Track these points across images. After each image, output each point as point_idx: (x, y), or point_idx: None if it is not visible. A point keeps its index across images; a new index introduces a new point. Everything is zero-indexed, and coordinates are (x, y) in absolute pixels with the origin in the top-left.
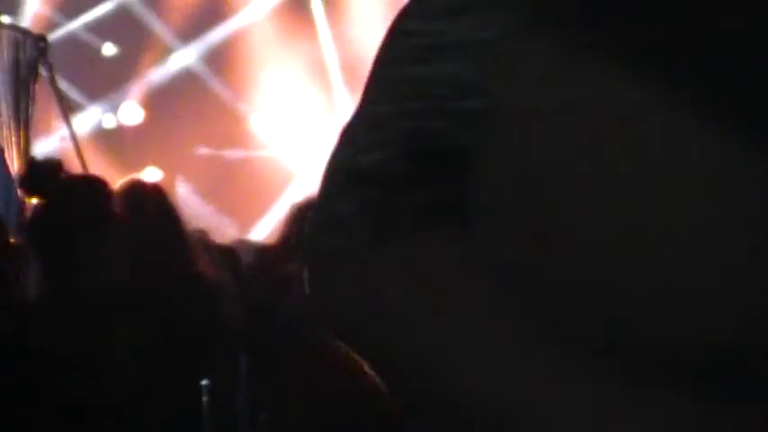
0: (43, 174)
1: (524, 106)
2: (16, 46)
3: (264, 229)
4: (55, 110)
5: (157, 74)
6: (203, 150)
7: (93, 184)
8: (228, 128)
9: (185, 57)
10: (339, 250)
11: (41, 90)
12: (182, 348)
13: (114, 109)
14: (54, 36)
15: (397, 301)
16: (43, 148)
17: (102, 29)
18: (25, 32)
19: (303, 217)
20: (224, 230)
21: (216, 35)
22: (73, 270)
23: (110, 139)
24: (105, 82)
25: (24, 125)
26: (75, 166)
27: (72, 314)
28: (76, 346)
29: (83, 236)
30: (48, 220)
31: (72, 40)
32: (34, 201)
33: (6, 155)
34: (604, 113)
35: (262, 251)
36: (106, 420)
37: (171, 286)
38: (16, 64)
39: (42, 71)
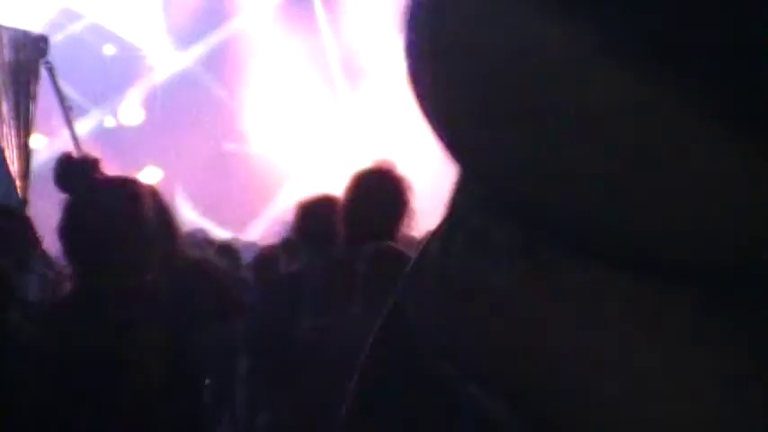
0: (78, 171)
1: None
2: (16, 46)
3: (260, 229)
4: (55, 110)
5: (158, 74)
6: (205, 148)
7: (127, 186)
8: (229, 127)
9: (186, 57)
10: (487, 270)
11: (41, 90)
12: (189, 346)
13: (114, 109)
14: (55, 37)
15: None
16: (43, 147)
17: (103, 30)
18: (25, 33)
19: (309, 215)
20: (218, 231)
21: (216, 35)
22: (100, 270)
23: (110, 139)
24: (105, 82)
25: (24, 125)
26: None
27: (96, 315)
28: (98, 347)
29: (113, 237)
30: (79, 219)
31: (73, 41)
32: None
33: (6, 154)
34: (609, 113)
35: (264, 251)
36: (121, 421)
37: (175, 282)
38: (16, 64)
39: (43, 71)
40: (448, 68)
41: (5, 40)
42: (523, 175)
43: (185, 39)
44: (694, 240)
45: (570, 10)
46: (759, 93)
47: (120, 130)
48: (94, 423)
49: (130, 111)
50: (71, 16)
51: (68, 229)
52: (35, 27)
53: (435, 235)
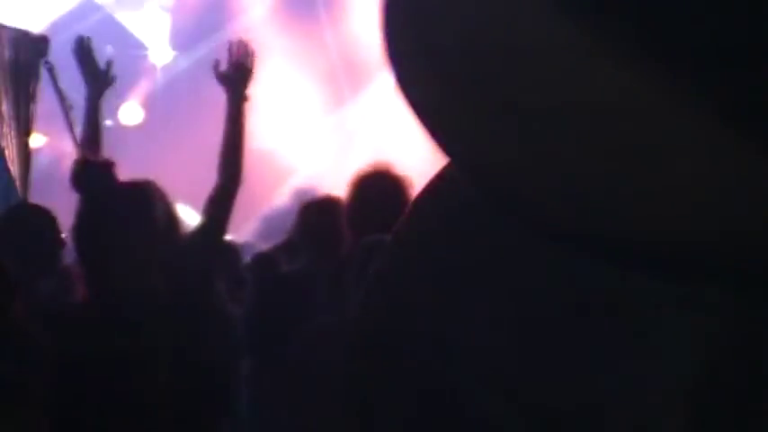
0: (94, 173)
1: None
2: (16, 46)
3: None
4: (55, 110)
5: (159, 74)
6: (205, 149)
7: (141, 188)
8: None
9: (187, 56)
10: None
11: (41, 90)
12: (198, 345)
13: (114, 109)
14: (55, 37)
15: None
16: (43, 147)
17: (104, 30)
18: (26, 33)
19: (311, 216)
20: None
21: (218, 35)
22: (115, 273)
23: (110, 139)
24: None
25: (24, 125)
26: None
27: (110, 315)
28: (117, 348)
29: (128, 240)
30: (94, 222)
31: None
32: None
33: (6, 154)
34: (609, 113)
35: (262, 250)
36: (138, 419)
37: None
38: (16, 64)
39: (43, 71)
40: (444, 69)
41: (5, 40)
42: (523, 175)
43: (187, 38)
44: (695, 239)
45: (571, 11)
46: (759, 92)
47: (120, 130)
48: (113, 422)
49: (130, 111)
50: (89, 9)
51: (83, 231)
52: (37, 26)
53: (416, 220)
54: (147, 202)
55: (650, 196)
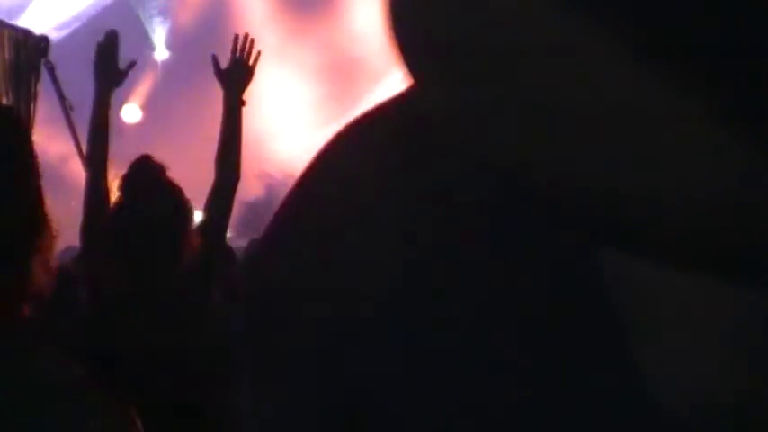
0: (148, 175)
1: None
2: (17, 46)
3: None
4: (56, 110)
5: (159, 74)
6: (205, 148)
7: (176, 189)
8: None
9: (186, 56)
10: None
11: (42, 90)
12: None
13: (115, 109)
14: (55, 36)
15: None
16: (43, 147)
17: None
18: (26, 32)
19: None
20: None
21: (218, 34)
22: (157, 270)
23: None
24: None
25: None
26: (76, 166)
27: (155, 311)
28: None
29: (165, 239)
30: (146, 221)
31: (74, 41)
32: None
33: None
34: (610, 112)
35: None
36: (186, 412)
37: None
38: (17, 64)
39: (44, 71)
40: (444, 67)
41: (6, 40)
42: (525, 170)
43: (186, 37)
44: (695, 238)
45: (571, 10)
46: (759, 93)
47: (120, 129)
48: (158, 417)
49: (130, 111)
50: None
51: (124, 231)
52: (42, 27)
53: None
54: (179, 201)
55: (650, 195)
